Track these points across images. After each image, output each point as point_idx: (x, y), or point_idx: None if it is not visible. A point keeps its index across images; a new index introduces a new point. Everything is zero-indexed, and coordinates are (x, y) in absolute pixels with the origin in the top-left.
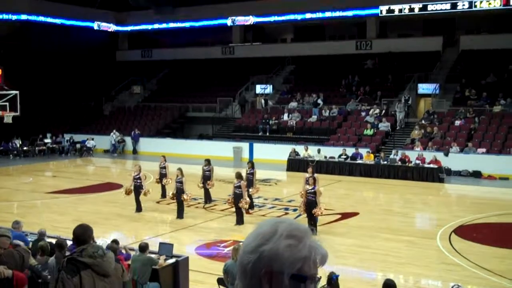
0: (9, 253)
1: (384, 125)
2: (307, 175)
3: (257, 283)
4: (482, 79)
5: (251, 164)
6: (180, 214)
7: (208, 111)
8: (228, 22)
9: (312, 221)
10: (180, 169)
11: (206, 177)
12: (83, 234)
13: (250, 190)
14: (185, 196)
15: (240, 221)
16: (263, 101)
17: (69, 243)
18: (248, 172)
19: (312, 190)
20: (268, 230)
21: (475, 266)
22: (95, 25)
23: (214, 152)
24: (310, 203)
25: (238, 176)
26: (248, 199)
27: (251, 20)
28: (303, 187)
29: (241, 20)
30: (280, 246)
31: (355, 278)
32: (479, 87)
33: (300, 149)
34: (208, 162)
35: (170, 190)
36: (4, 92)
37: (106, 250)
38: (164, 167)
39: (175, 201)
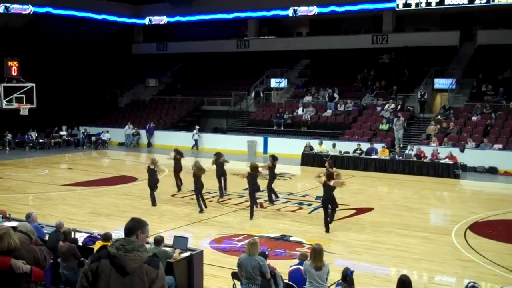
0: (31, 249)
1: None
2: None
3: None
4: (499, 75)
5: (273, 157)
6: (200, 208)
7: (223, 104)
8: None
9: (329, 216)
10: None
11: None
12: (129, 227)
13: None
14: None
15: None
16: (253, 93)
17: (78, 235)
18: (271, 166)
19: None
20: None
21: (491, 263)
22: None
23: (228, 146)
24: (329, 199)
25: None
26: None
27: (265, 13)
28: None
29: (257, 13)
30: None
31: (370, 273)
32: (496, 82)
33: (315, 144)
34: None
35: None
36: (21, 84)
37: (147, 251)
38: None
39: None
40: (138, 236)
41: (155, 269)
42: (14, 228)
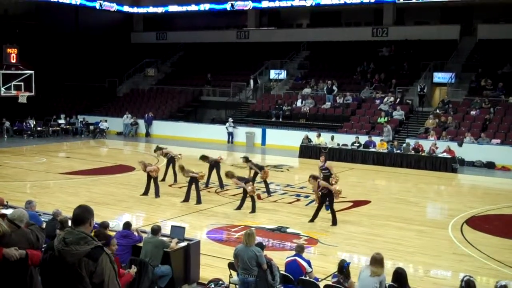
0: (22, 232)
1: (398, 114)
2: (320, 163)
3: None
4: (499, 69)
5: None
6: (198, 200)
7: (222, 95)
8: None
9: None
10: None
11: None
12: (80, 215)
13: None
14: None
15: (253, 209)
16: (251, 81)
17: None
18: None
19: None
20: None
21: (487, 257)
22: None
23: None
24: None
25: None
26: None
27: (266, 4)
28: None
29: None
30: None
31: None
32: (495, 77)
33: (313, 136)
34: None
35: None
36: (19, 71)
37: (90, 243)
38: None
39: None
40: (91, 224)
41: (94, 262)
42: (3, 215)
